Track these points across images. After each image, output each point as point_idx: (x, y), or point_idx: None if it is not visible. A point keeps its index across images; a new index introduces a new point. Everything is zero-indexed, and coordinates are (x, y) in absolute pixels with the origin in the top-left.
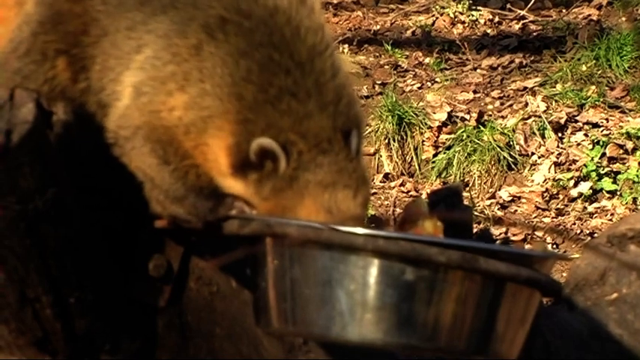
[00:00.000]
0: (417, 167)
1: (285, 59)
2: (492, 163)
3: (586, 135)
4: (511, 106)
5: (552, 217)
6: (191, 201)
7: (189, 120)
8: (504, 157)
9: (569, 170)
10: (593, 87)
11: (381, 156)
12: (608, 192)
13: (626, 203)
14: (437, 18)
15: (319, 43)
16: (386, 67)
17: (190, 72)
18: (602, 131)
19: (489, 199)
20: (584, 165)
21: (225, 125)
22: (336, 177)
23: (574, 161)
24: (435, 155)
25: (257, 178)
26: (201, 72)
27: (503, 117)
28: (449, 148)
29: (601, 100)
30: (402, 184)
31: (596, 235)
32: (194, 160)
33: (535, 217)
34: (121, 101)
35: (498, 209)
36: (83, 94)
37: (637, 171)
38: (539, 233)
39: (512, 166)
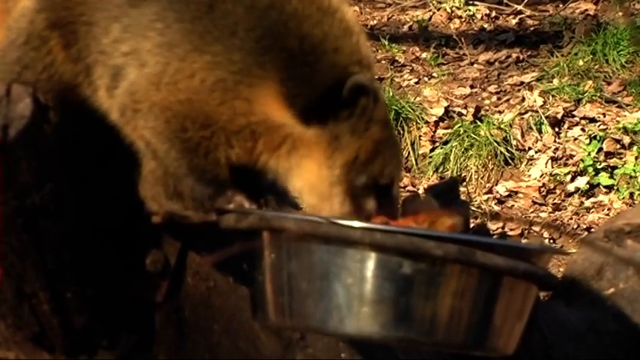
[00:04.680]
0: (413, 162)
1: (312, 9)
2: (489, 157)
3: (583, 130)
4: (508, 100)
5: (549, 212)
6: (190, 183)
7: (215, 79)
8: (501, 152)
9: (566, 165)
10: (590, 82)
11: None
12: (605, 187)
13: (623, 198)
14: (434, 13)
15: None
16: (383, 61)
17: (208, 30)
18: (599, 126)
19: (486, 193)
20: (581, 160)
21: (272, 74)
22: (388, 116)
23: (571, 156)
24: (431, 150)
25: (346, 116)
26: (219, 29)
27: (500, 112)
28: (446, 143)
29: (598, 94)
30: None
31: (593, 229)
32: (216, 123)
33: (532, 212)
34: (127, 74)
35: (495, 204)
36: (77, 73)
37: (634, 166)
38: (536, 228)
39: (509, 161)
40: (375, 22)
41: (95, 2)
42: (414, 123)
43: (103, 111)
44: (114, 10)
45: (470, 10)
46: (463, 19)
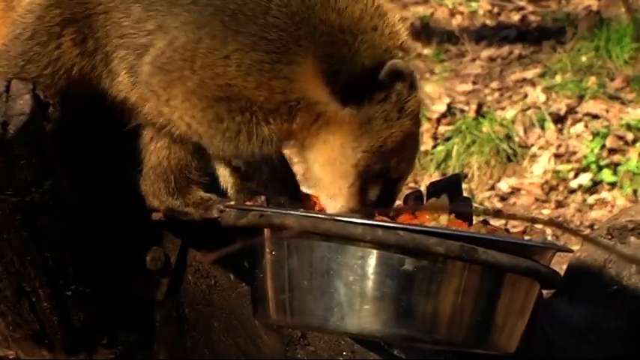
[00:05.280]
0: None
1: None
2: (491, 154)
3: (586, 126)
4: (510, 97)
5: (552, 209)
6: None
7: (250, 62)
8: (504, 149)
9: (568, 162)
10: (593, 78)
11: None
12: (608, 183)
13: (627, 195)
14: (436, 9)
15: None
16: None
17: (240, 9)
18: (602, 122)
19: (488, 190)
20: (584, 156)
21: (310, 50)
22: (419, 111)
23: (574, 153)
24: (433, 147)
25: (381, 99)
26: (251, 6)
27: (502, 108)
28: (448, 139)
29: (601, 91)
30: None
31: (596, 227)
32: (253, 103)
33: (535, 209)
34: (155, 49)
35: (498, 201)
36: (94, 66)
37: (637, 162)
38: (539, 225)
39: (512, 157)
40: None
41: None
42: None
43: (121, 99)
44: None
45: (472, 6)
46: (465, 15)
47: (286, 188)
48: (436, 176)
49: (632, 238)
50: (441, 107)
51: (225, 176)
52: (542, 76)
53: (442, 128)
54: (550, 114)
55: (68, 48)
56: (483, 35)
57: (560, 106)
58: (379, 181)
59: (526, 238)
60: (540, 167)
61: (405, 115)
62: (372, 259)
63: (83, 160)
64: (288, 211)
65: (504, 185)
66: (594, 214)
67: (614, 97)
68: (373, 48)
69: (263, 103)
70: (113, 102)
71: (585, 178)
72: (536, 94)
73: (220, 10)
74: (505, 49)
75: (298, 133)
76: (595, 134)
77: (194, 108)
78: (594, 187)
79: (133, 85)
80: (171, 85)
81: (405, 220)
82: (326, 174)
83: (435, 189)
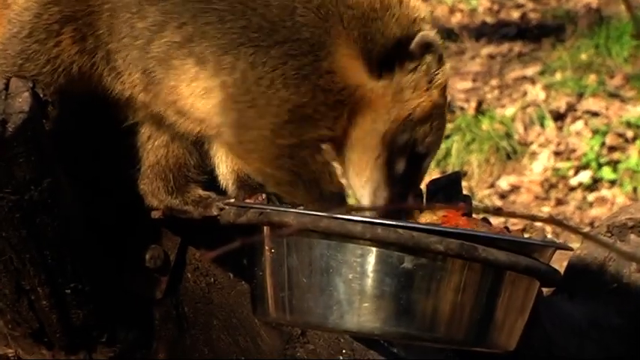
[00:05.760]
0: None
1: None
2: (491, 152)
3: (586, 124)
4: (510, 94)
5: (552, 207)
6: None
7: (291, 72)
8: (503, 147)
9: (568, 159)
10: (593, 75)
11: None
12: (608, 181)
13: (626, 192)
14: (435, 6)
15: None
16: None
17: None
18: (601, 120)
19: (488, 188)
20: (584, 154)
21: (343, 37)
22: (446, 84)
23: (573, 150)
24: None
25: (411, 69)
26: (277, 10)
27: (502, 106)
28: (447, 137)
29: (601, 88)
30: None
31: (596, 224)
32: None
33: (534, 207)
34: (178, 67)
35: (497, 199)
36: (94, 64)
37: (637, 160)
38: (539, 223)
39: (512, 155)
40: None
41: None
42: None
43: (125, 97)
44: None
45: (472, 4)
46: (465, 13)
47: None
48: (436, 174)
49: (632, 236)
50: None
51: (224, 174)
52: (541, 73)
53: None
54: (550, 111)
55: (67, 46)
56: (483, 33)
57: (560, 103)
58: (405, 154)
59: (526, 235)
60: (540, 165)
61: (433, 86)
62: (372, 256)
63: (81, 157)
64: (288, 209)
65: (504, 183)
66: (594, 212)
67: (613, 95)
68: (402, 20)
69: (324, 111)
70: (112, 99)
71: (585, 176)
72: (536, 92)
73: (246, 27)
74: (505, 47)
75: (347, 124)
76: (595, 132)
77: (263, 151)
78: (594, 184)
79: (145, 86)
80: (243, 126)
81: (453, 220)
82: (355, 151)
83: (435, 187)
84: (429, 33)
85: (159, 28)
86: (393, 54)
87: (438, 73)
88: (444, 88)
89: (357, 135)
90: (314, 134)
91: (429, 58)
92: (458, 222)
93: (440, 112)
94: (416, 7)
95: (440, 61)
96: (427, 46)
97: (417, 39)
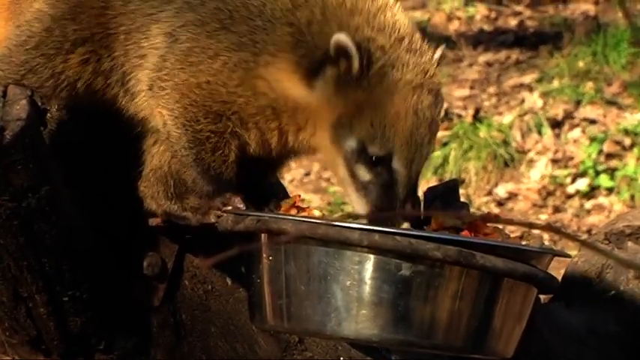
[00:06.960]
0: None
1: None
2: (489, 159)
3: (583, 131)
4: (508, 102)
5: (549, 214)
6: (193, 175)
7: (237, 60)
8: (501, 154)
9: (566, 167)
10: (591, 83)
11: None
12: (605, 189)
13: (624, 200)
14: (433, 14)
15: None
16: None
17: (236, 10)
18: (599, 127)
19: (486, 195)
20: (582, 161)
21: (285, 48)
22: (422, 79)
23: (571, 158)
24: None
25: (334, 74)
26: (247, 9)
27: (499, 113)
28: (445, 144)
29: (598, 96)
30: None
31: (593, 232)
32: (230, 109)
33: (532, 214)
34: (156, 51)
35: (495, 206)
36: (109, 84)
37: (635, 167)
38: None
39: (509, 162)
40: None
41: (133, 10)
42: None
43: (140, 117)
44: (150, 10)
45: (469, 11)
46: (462, 20)
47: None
48: (433, 181)
49: (630, 243)
50: None
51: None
52: (539, 81)
53: (439, 133)
54: (547, 119)
55: (75, 64)
56: (480, 40)
57: (558, 111)
58: (361, 160)
59: (523, 243)
60: (538, 172)
61: (357, 86)
62: (370, 264)
63: (81, 165)
64: (286, 216)
65: (502, 190)
66: (592, 219)
67: (611, 102)
68: (340, 28)
69: (242, 106)
70: (122, 114)
71: (583, 183)
72: (534, 99)
73: (220, 9)
74: (502, 54)
75: (294, 136)
76: (592, 139)
77: (176, 103)
78: (592, 192)
79: (147, 99)
80: (165, 87)
81: (481, 229)
82: (330, 167)
83: (432, 194)
84: (340, 36)
85: (154, 42)
86: (322, 63)
87: (364, 72)
88: (370, 85)
89: (321, 151)
90: (218, 126)
91: (343, 62)
92: (484, 230)
93: (408, 119)
94: (372, 15)
95: (369, 64)
96: (340, 50)
97: (331, 44)
